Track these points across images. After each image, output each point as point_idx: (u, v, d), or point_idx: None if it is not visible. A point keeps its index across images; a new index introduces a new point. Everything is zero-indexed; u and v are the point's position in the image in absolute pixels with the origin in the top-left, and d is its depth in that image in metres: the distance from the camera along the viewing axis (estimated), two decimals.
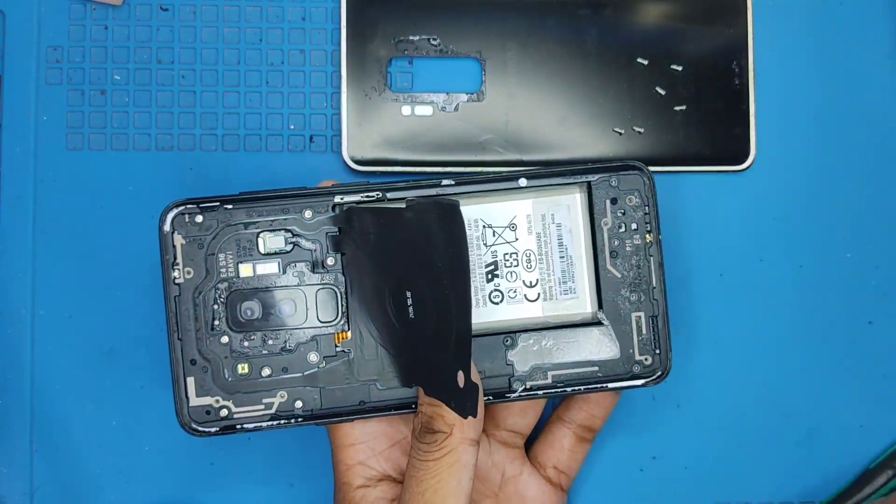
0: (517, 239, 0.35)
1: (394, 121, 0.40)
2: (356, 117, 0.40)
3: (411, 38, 0.41)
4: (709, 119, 0.41)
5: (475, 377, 0.33)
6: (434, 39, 0.41)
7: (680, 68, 0.41)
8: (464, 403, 0.32)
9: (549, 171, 0.35)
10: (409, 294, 0.33)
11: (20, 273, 0.41)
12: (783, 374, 0.41)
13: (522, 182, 0.35)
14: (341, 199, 0.35)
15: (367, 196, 0.35)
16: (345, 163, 0.40)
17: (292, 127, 0.41)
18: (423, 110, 0.40)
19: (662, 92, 0.41)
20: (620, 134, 0.41)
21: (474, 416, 0.32)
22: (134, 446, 0.41)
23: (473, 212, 0.35)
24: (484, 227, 0.35)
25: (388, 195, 0.35)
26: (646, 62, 0.41)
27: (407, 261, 0.33)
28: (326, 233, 0.35)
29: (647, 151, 0.41)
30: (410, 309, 0.33)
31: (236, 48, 0.41)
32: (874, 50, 0.42)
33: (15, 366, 0.41)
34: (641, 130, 0.41)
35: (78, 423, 0.41)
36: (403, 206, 0.33)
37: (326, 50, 0.41)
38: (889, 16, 0.42)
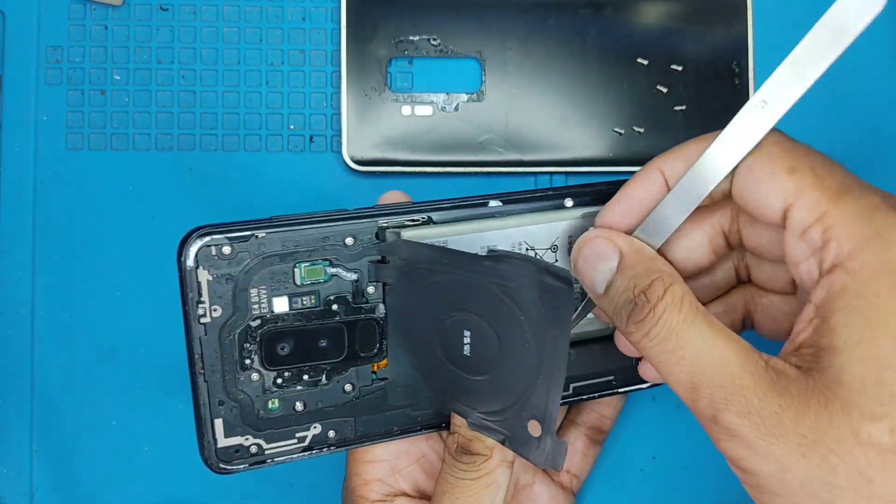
0: (557, 261, 0.34)
1: (394, 121, 0.40)
2: (356, 117, 0.40)
3: (411, 38, 0.41)
4: (709, 119, 0.41)
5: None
6: (434, 39, 0.41)
7: (680, 68, 0.41)
8: (541, 456, 0.29)
9: (595, 190, 0.34)
10: (466, 333, 0.31)
11: (20, 273, 0.41)
12: None
13: (568, 202, 0.34)
14: (385, 222, 0.32)
15: (411, 220, 0.32)
16: (345, 163, 0.40)
17: (292, 127, 0.41)
18: (423, 110, 0.40)
19: (664, 90, 0.41)
20: (620, 134, 0.41)
21: (557, 469, 0.30)
22: (134, 446, 0.41)
23: (517, 234, 0.33)
24: (527, 249, 0.34)
25: (434, 216, 0.32)
26: (646, 62, 0.41)
27: (471, 302, 0.30)
28: (369, 261, 0.32)
29: (647, 151, 0.40)
30: (467, 347, 0.31)
31: (236, 48, 0.41)
32: (874, 50, 0.42)
33: (15, 366, 0.41)
34: (641, 130, 0.41)
35: (78, 424, 0.41)
36: (480, 252, 0.30)
37: (326, 50, 0.41)
38: (889, 16, 0.42)
